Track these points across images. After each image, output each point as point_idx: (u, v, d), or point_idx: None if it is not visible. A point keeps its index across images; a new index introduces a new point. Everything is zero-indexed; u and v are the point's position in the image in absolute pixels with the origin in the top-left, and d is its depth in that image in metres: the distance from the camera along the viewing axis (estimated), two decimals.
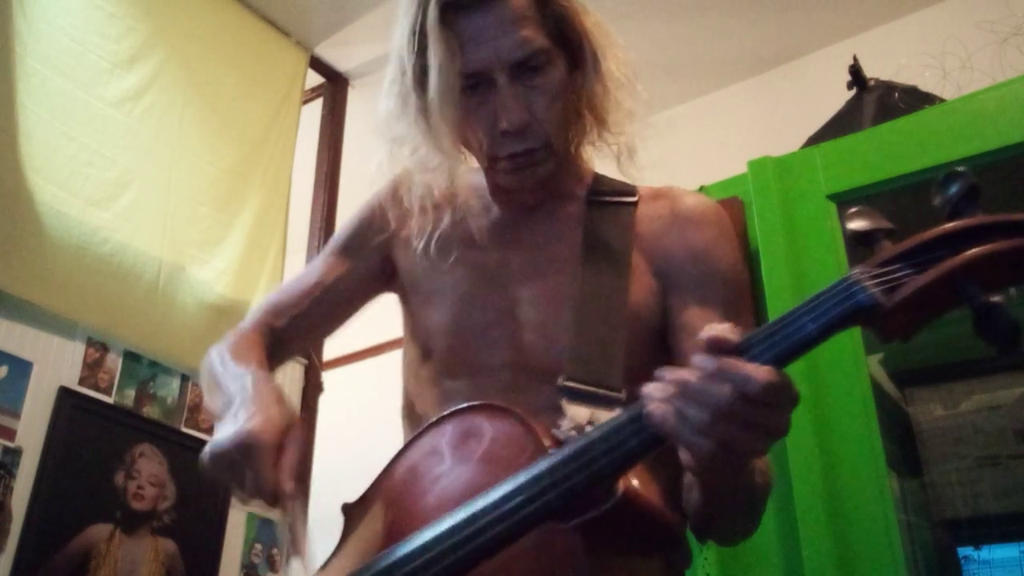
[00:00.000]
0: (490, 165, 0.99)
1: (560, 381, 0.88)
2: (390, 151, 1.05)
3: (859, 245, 0.68)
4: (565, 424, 0.84)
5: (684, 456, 0.69)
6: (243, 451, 0.81)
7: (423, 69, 0.95)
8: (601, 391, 0.87)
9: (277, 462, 0.81)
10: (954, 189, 0.65)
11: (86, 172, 2.25)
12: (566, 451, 0.72)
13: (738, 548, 1.50)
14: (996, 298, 0.60)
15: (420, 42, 0.95)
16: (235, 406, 0.88)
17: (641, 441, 0.69)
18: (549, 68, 0.95)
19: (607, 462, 0.70)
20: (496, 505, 0.73)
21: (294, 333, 1.12)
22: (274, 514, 0.81)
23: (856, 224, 0.68)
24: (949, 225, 0.64)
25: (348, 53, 3.11)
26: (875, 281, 0.63)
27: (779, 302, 1.56)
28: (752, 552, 1.50)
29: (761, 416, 0.62)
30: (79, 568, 2.02)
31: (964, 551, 1.67)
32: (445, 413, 0.87)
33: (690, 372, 0.65)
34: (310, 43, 3.06)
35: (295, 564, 0.83)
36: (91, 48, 2.36)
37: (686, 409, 0.64)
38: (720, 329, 0.66)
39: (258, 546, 2.48)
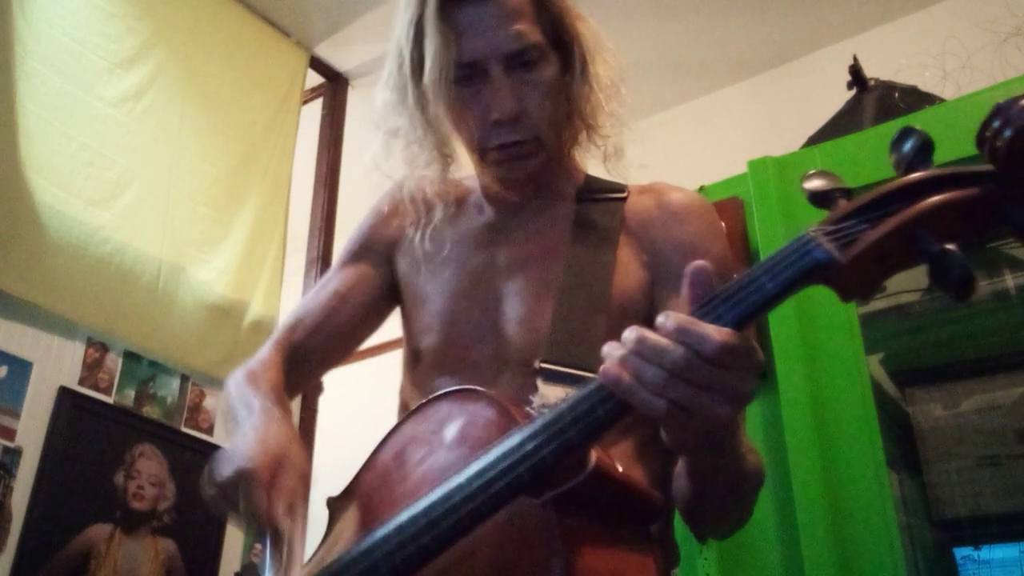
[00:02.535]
0: (480, 157, 1.01)
1: (536, 363, 0.89)
2: (385, 143, 1.07)
3: (817, 206, 0.67)
4: (536, 401, 0.85)
5: (663, 431, 0.69)
6: (236, 483, 0.83)
7: (420, 60, 0.97)
8: (578, 372, 0.87)
9: (271, 493, 0.82)
10: (908, 146, 0.65)
11: (86, 172, 2.25)
12: (536, 424, 0.71)
13: (738, 548, 1.51)
14: (950, 246, 0.60)
15: (418, 33, 0.97)
16: (237, 437, 0.90)
17: (608, 408, 0.68)
18: (542, 64, 0.98)
19: (575, 432, 0.69)
20: (469, 482, 0.73)
21: (315, 347, 1.12)
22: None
23: (812, 184, 0.68)
24: (902, 179, 0.64)
25: (348, 53, 3.11)
26: (830, 237, 0.62)
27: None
28: (752, 552, 1.50)
29: (719, 377, 0.62)
30: (79, 568, 2.02)
31: (964, 551, 1.67)
32: (421, 402, 0.89)
33: (649, 332, 0.64)
34: (310, 43, 3.07)
35: None
36: (91, 48, 2.36)
37: (641, 368, 0.63)
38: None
39: (258, 546, 2.48)
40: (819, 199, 0.67)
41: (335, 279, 1.15)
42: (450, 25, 0.95)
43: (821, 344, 1.52)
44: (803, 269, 0.62)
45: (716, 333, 0.61)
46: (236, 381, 1.03)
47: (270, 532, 0.83)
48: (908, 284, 1.78)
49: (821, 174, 0.68)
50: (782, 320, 1.55)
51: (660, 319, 0.64)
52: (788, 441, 1.49)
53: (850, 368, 1.49)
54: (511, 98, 0.95)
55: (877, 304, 1.79)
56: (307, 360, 1.12)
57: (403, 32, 0.99)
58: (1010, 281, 1.71)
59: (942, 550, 1.68)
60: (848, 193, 0.66)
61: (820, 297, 1.55)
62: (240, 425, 0.93)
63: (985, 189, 0.62)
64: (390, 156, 1.07)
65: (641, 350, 0.64)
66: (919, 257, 0.61)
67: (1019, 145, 0.59)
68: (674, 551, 0.95)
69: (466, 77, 0.96)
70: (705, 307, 0.64)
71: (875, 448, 1.42)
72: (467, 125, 0.99)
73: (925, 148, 0.65)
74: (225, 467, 0.85)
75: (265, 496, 0.82)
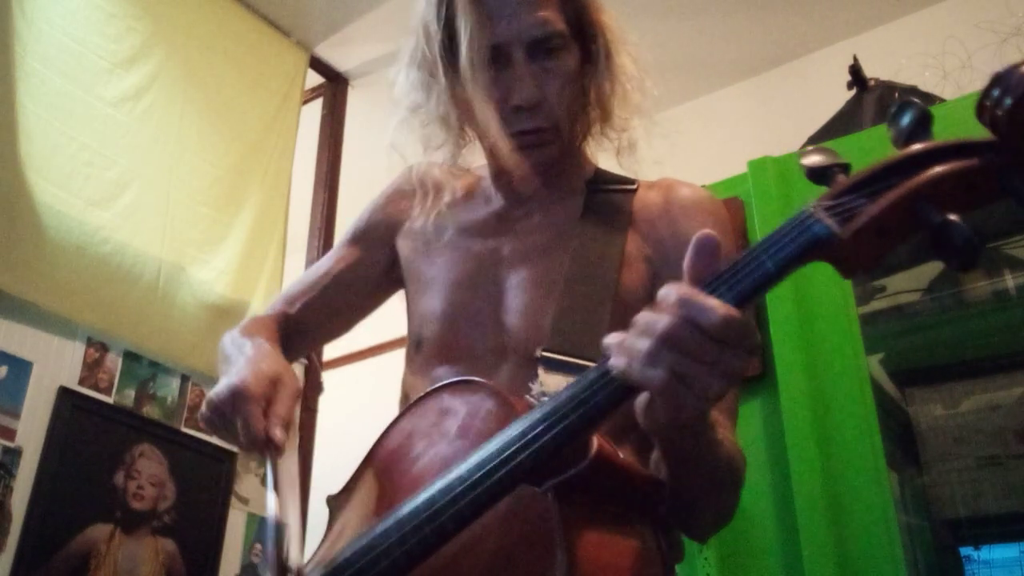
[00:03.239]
0: (495, 143, 1.00)
1: (538, 352, 0.89)
2: (405, 120, 1.07)
3: (815, 182, 0.67)
4: (536, 389, 0.85)
5: (643, 413, 0.68)
6: (232, 402, 0.87)
7: (449, 39, 0.97)
8: (579, 361, 0.87)
9: (267, 412, 0.87)
10: (907, 119, 0.64)
11: (86, 172, 2.25)
12: (536, 413, 0.71)
13: (738, 548, 1.51)
14: (952, 217, 0.59)
15: (448, 11, 0.97)
16: (231, 368, 0.94)
17: (608, 394, 0.67)
18: (564, 53, 0.98)
19: (575, 418, 0.69)
20: (470, 473, 0.72)
21: (309, 321, 1.14)
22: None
23: (811, 160, 0.67)
24: (901, 152, 0.63)
25: (348, 53, 3.11)
26: (830, 212, 0.62)
27: (779, 302, 1.56)
28: (752, 552, 1.50)
29: (715, 351, 0.61)
30: (79, 568, 2.02)
31: (964, 551, 1.67)
32: (421, 395, 0.89)
33: (647, 311, 0.65)
34: (310, 43, 3.06)
35: (274, 503, 0.87)
36: (91, 48, 2.36)
37: (636, 342, 0.63)
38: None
39: (258, 546, 2.48)
40: (817, 175, 0.66)
41: (336, 257, 1.16)
42: (478, 6, 0.95)
43: (821, 344, 1.52)
44: (803, 245, 0.62)
45: (719, 306, 0.61)
46: (231, 335, 1.06)
47: (269, 447, 0.86)
48: (908, 284, 1.78)
49: (819, 150, 0.67)
50: (782, 320, 1.55)
51: (663, 291, 0.64)
52: (788, 441, 1.48)
53: (850, 368, 1.49)
54: (533, 85, 0.95)
55: (877, 304, 1.79)
56: (301, 334, 1.14)
57: (430, 9, 0.99)
58: (1010, 281, 1.71)
59: (947, 550, 1.68)
60: (846, 168, 0.65)
61: (820, 297, 1.55)
62: (234, 361, 0.96)
63: (986, 159, 0.61)
64: (408, 133, 1.07)
65: (635, 327, 0.64)
66: (921, 229, 0.60)
67: (1020, 114, 0.58)
68: (679, 546, 0.94)
69: (488, 60, 0.96)
70: (706, 287, 0.64)
71: (875, 448, 1.42)
72: (485, 109, 0.98)
73: (923, 120, 0.64)
74: (220, 387, 0.89)
75: (261, 411, 0.86)
